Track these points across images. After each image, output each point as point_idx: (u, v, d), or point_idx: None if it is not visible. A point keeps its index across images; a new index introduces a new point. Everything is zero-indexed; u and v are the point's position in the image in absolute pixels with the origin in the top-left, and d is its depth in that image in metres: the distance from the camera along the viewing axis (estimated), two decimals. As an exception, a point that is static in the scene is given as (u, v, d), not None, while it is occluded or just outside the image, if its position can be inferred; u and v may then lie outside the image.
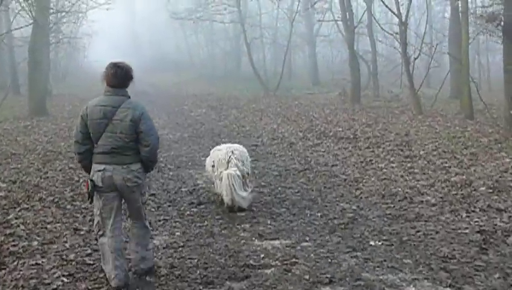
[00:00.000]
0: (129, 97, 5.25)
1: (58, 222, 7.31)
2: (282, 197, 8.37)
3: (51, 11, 24.63)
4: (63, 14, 30.64)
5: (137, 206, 5.37)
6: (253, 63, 29.97)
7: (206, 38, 48.06)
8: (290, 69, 37.97)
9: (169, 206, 8.10)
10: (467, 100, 16.38)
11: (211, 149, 8.73)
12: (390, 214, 7.24)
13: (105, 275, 5.34)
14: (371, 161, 10.76)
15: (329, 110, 20.41)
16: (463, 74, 16.60)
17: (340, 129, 15.00)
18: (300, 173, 10.02)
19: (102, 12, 32.50)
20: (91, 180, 5.17)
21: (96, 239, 5.52)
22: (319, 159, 11.25)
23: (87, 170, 5.33)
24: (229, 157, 7.78)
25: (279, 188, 8.98)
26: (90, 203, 5.39)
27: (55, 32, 32.30)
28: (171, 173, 10.41)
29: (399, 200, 7.86)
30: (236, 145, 8.34)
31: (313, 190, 8.75)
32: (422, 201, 7.74)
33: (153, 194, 8.74)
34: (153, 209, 7.83)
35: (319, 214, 7.37)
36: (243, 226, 6.99)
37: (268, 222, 7.10)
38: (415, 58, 18.94)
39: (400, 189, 8.46)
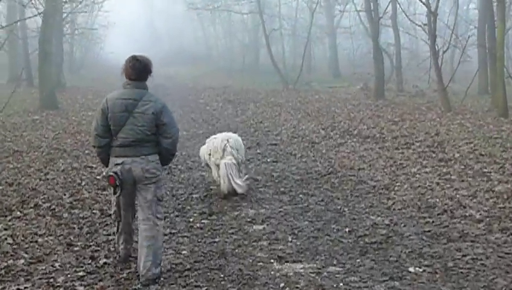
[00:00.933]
0: (148, 90, 5.28)
1: (51, 235, 6.46)
2: (304, 207, 7.43)
3: (63, 0, 23.80)
4: (77, 4, 29.87)
5: (150, 200, 5.23)
6: (272, 55, 28.95)
7: (224, 30, 47.11)
8: (310, 62, 36.92)
9: (177, 216, 7.21)
10: (501, 96, 15.28)
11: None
12: (429, 231, 6.26)
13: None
14: (401, 164, 9.77)
15: (351, 105, 19.41)
16: (498, 68, 15.48)
17: (365, 127, 14.02)
18: (324, 178, 9.08)
19: (119, 2, 31.73)
20: (115, 173, 5.12)
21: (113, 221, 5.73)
22: (343, 161, 10.29)
23: (106, 163, 5.36)
24: (225, 145, 8.07)
25: (301, 196, 8.05)
26: (118, 196, 5.33)
27: (69, 23, 31.65)
28: (182, 176, 9.52)
29: (438, 214, 6.88)
30: (231, 134, 8.62)
31: (338, 199, 7.81)
32: (465, 216, 6.74)
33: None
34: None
35: (347, 230, 6.43)
36: (259, 243, 6.07)
37: (289, 239, 6.18)
38: (444, 52, 17.86)
39: (437, 200, 7.47)
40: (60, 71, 27.21)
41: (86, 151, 11.65)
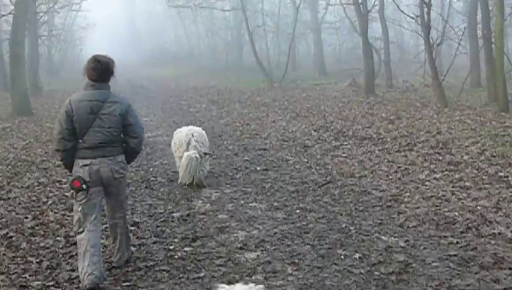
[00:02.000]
0: (110, 91, 5.19)
1: (2, 273, 5.37)
2: (303, 227, 6.40)
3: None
4: (53, 4, 28.63)
5: (121, 199, 5.40)
6: (256, 52, 27.85)
7: (206, 28, 45.88)
8: (295, 59, 35.87)
9: (154, 242, 6.11)
10: (501, 90, 14.38)
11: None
12: (455, 255, 5.25)
13: None
14: (406, 169, 8.79)
15: (342, 103, 18.44)
16: (497, 60, 14.55)
17: (360, 127, 13.04)
18: (322, 188, 8.05)
19: (100, 2, 30.55)
20: (80, 177, 5.01)
21: (75, 235, 5.27)
22: (342, 167, 9.28)
23: (70, 167, 5.22)
24: (189, 139, 8.44)
25: (298, 211, 7.02)
26: (84, 199, 5.05)
27: (45, 24, 30.40)
28: (161, 190, 8.43)
29: (461, 232, 5.88)
30: (195, 128, 8.97)
31: (341, 214, 6.79)
32: (493, 234, 5.75)
33: (136, 223, 6.78)
34: (133, 248, 5.85)
35: (357, 256, 5.41)
36: (254, 278, 5.02)
37: (289, 271, 5.14)
38: (438, 44, 16.95)
39: (456, 213, 6.48)
40: (35, 74, 25.94)
41: (57, 163, 10.51)
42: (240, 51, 40.64)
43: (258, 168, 9.57)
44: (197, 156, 8.28)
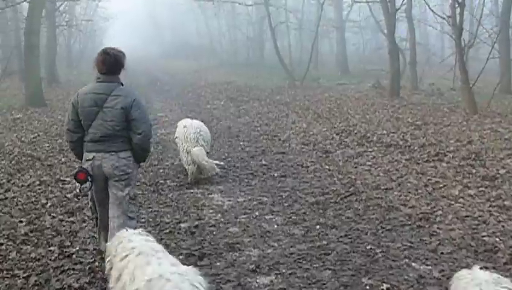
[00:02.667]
0: (121, 84, 5.10)
1: (-16, 289, 4.80)
2: (324, 247, 5.72)
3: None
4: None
5: (121, 197, 5.09)
6: (278, 49, 27.09)
7: (228, 23, 45.20)
8: (317, 57, 35.04)
9: (157, 259, 5.49)
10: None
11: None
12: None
13: None
14: (437, 183, 8.05)
15: (365, 105, 17.64)
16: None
17: (385, 132, 12.28)
18: (345, 201, 7.36)
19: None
20: (84, 168, 5.01)
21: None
22: (366, 177, 8.56)
23: (80, 158, 5.23)
24: (197, 137, 8.55)
25: (318, 227, 6.34)
26: (87, 191, 5.16)
27: (64, 13, 29.93)
28: (169, 196, 7.82)
29: (504, 263, 5.16)
30: (201, 125, 8.99)
31: (366, 233, 6.10)
32: (543, 267, 5.04)
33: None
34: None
35: (384, 287, 4.71)
36: (266, 310, 4.37)
37: (307, 303, 4.48)
38: (470, 47, 16.12)
39: (497, 239, 5.74)
40: (52, 65, 25.54)
41: (63, 160, 9.99)
42: (261, 48, 39.89)
43: (276, 174, 8.90)
44: (203, 151, 8.44)
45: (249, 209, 7.08)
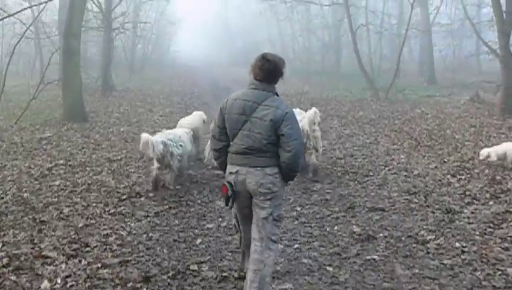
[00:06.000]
0: (277, 94, 4.66)
1: None
2: None
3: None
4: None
5: (264, 218, 4.58)
6: (359, 56, 23.49)
7: (302, 27, 41.85)
8: (398, 65, 31.10)
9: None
10: None
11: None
12: None
13: None
14: None
15: (473, 127, 13.85)
16: None
17: (522, 173, 8.65)
18: None
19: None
20: (229, 183, 4.62)
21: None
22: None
23: (223, 169, 4.86)
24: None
25: None
26: (230, 208, 4.77)
27: (125, 16, 27.56)
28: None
29: None
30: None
31: None
32: None
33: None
34: None
35: None
36: None
37: None
38: None
39: None
40: (107, 72, 23.07)
41: (65, 211, 6.99)
42: (338, 54, 36.34)
43: (376, 257, 5.48)
44: None
45: None
